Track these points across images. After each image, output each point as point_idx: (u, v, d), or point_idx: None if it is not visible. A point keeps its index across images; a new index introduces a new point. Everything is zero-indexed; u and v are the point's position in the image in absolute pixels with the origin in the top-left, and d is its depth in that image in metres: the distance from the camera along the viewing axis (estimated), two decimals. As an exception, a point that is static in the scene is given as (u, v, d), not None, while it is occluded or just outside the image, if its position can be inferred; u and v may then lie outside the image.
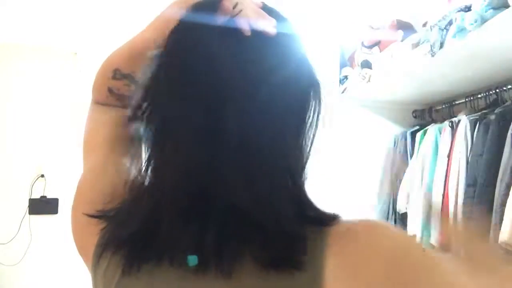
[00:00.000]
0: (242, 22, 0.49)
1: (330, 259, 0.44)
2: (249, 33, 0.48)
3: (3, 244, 2.91)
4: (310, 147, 0.52)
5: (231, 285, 0.44)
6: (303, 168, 0.51)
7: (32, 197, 3.04)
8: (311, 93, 0.52)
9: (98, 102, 0.70)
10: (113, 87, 0.66)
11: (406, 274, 0.43)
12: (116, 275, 0.49)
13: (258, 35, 0.49)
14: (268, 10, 0.53)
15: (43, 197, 3.06)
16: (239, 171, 0.46)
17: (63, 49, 3.14)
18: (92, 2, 2.43)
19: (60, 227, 3.03)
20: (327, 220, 0.47)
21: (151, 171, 0.51)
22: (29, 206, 3.02)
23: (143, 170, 0.51)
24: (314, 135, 0.52)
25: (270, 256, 0.44)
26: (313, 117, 0.52)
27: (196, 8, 0.51)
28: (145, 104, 0.51)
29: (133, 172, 0.59)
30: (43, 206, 3.04)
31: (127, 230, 0.49)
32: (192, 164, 0.47)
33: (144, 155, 0.52)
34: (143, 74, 0.53)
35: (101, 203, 0.54)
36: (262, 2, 0.55)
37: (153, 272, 0.47)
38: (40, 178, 3.06)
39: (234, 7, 0.49)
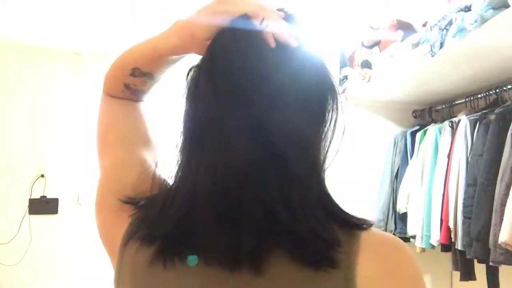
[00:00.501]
0: (268, 36, 0.53)
1: (360, 264, 0.47)
2: (274, 45, 0.53)
3: (3, 244, 2.92)
4: (328, 150, 0.55)
5: (266, 283, 0.46)
6: (324, 171, 0.54)
7: (32, 197, 3.04)
8: (330, 98, 0.55)
9: (111, 95, 0.70)
10: (130, 83, 0.67)
11: None
12: (146, 265, 0.50)
13: (283, 46, 0.53)
14: (289, 18, 0.57)
15: (43, 197, 3.06)
16: (271, 175, 0.48)
17: (64, 49, 3.14)
18: (93, 2, 2.43)
19: (60, 227, 3.03)
20: (357, 224, 0.51)
21: (184, 171, 0.53)
22: (29, 206, 3.02)
23: (175, 170, 0.53)
24: (332, 140, 0.55)
25: (304, 254, 0.47)
26: (331, 121, 0.55)
27: (235, 20, 0.55)
28: (185, 107, 0.54)
29: (159, 168, 0.62)
30: (43, 206, 3.04)
31: (161, 229, 0.51)
32: (228, 166, 0.49)
33: (176, 155, 0.54)
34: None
35: (127, 194, 0.56)
36: (284, 11, 0.58)
37: (186, 269, 0.49)
38: (40, 178, 3.06)
39: (261, 23, 0.54)
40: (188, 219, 0.49)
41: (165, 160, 0.55)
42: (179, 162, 0.53)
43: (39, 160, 3.06)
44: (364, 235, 0.50)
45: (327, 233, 0.48)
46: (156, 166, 0.63)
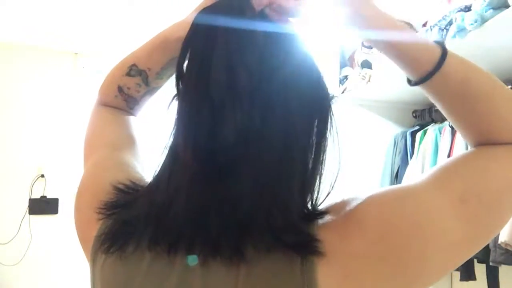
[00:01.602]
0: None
1: (319, 230, 0.47)
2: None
3: (3, 244, 2.92)
4: (320, 155, 0.52)
5: (240, 272, 0.45)
6: (313, 174, 0.52)
7: (32, 197, 3.04)
8: (324, 102, 0.52)
9: (103, 104, 0.71)
10: (124, 86, 0.67)
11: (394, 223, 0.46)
12: (115, 259, 0.50)
13: (275, 41, 0.50)
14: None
15: (43, 197, 3.06)
16: (245, 169, 0.47)
17: (63, 49, 3.14)
18: (92, 2, 2.43)
19: (60, 227, 3.03)
20: (318, 214, 0.50)
21: (160, 171, 0.52)
22: (29, 206, 3.02)
23: (155, 170, 0.52)
24: (325, 144, 0.52)
25: (275, 244, 0.45)
26: (320, 126, 0.52)
27: (213, 7, 0.52)
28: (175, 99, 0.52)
29: (137, 169, 0.61)
30: (43, 206, 3.04)
31: (132, 223, 0.50)
32: (203, 157, 0.47)
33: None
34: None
35: (103, 196, 0.54)
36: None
37: (153, 259, 0.48)
38: (40, 178, 3.06)
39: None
40: (159, 214, 0.49)
41: (151, 165, 0.54)
42: (159, 164, 0.52)
43: (39, 160, 3.06)
44: (320, 220, 0.49)
45: (296, 225, 0.47)
46: (140, 169, 0.62)
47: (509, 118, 0.51)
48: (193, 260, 0.48)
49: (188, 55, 0.51)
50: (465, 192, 0.48)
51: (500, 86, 0.53)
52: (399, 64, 0.55)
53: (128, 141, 0.66)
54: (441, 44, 0.53)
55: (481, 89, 0.52)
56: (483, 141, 0.53)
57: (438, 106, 0.57)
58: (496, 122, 0.52)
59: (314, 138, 0.51)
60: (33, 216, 3.02)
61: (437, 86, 0.54)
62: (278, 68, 0.49)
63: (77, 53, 3.19)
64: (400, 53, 0.53)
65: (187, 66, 0.51)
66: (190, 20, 0.53)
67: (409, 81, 0.57)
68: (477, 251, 0.50)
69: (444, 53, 0.52)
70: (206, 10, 0.51)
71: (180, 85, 0.51)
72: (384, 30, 0.52)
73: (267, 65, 0.48)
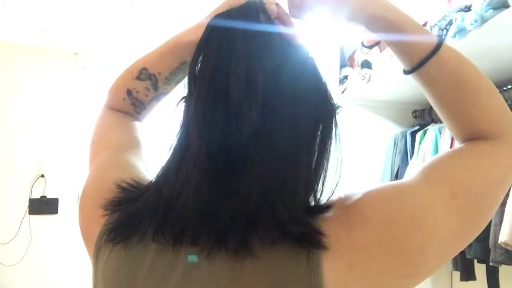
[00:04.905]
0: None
1: (323, 224, 0.48)
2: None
3: (3, 244, 2.92)
4: (323, 156, 0.54)
5: (245, 265, 0.46)
6: (317, 173, 0.53)
7: (32, 197, 3.04)
8: (329, 112, 0.54)
9: (111, 107, 0.72)
10: (133, 89, 0.68)
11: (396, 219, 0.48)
12: (119, 250, 0.51)
13: (281, 45, 0.53)
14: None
15: (43, 197, 3.06)
16: (254, 165, 0.48)
17: (63, 49, 3.14)
18: (92, 2, 2.43)
19: (60, 227, 3.03)
20: (321, 209, 0.51)
21: (165, 170, 0.53)
22: (29, 206, 3.02)
23: (158, 170, 0.53)
24: (328, 150, 0.54)
25: (281, 236, 0.46)
26: (326, 130, 0.54)
27: (229, 12, 0.54)
28: (184, 97, 0.53)
29: (141, 170, 0.62)
30: (43, 206, 3.04)
31: (139, 215, 0.51)
32: (210, 152, 0.49)
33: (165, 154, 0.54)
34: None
35: (107, 195, 0.55)
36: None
37: (158, 252, 0.49)
38: (40, 178, 3.06)
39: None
40: (168, 212, 0.49)
41: (156, 167, 0.55)
42: (164, 161, 0.53)
43: (39, 160, 3.06)
44: (325, 214, 0.50)
45: (301, 218, 0.48)
46: (144, 170, 0.63)
47: (493, 109, 0.56)
48: (193, 260, 0.48)
49: (201, 57, 0.53)
50: (454, 188, 0.51)
51: (486, 81, 0.58)
52: (397, 51, 0.59)
53: (133, 144, 0.67)
54: (438, 36, 0.57)
55: (471, 80, 0.57)
56: (470, 132, 0.57)
57: (429, 95, 0.61)
58: (483, 112, 0.56)
59: (318, 143, 0.53)
60: (33, 216, 3.02)
61: (431, 74, 0.58)
62: (291, 75, 0.51)
63: (77, 53, 3.19)
64: (401, 41, 0.57)
65: (200, 68, 0.52)
66: (204, 25, 0.55)
67: (404, 70, 0.61)
68: (470, 242, 0.54)
69: (440, 41, 0.56)
70: (221, 15, 0.53)
71: (193, 86, 0.52)
72: (389, 24, 0.56)
73: (281, 72, 0.50)
